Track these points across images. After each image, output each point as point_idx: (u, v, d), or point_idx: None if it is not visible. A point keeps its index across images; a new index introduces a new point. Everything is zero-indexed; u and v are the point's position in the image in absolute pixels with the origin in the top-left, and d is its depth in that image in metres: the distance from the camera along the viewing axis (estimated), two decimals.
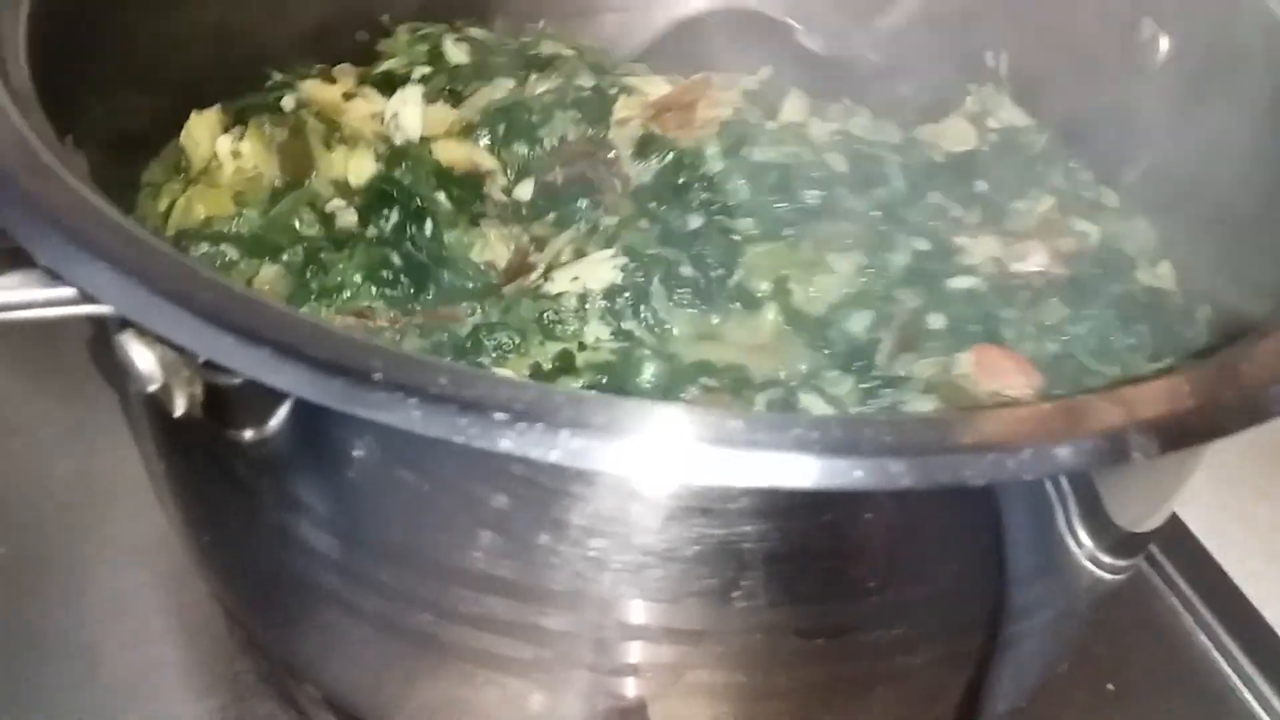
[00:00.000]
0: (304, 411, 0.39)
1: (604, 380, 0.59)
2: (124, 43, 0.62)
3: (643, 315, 0.62)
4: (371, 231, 0.67)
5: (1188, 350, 0.60)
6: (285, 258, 0.66)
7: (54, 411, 0.73)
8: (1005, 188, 0.71)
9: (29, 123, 0.45)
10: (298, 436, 0.44)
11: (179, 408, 0.45)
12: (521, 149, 0.74)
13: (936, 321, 0.60)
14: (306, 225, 0.68)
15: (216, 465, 0.50)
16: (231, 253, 0.65)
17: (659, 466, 0.35)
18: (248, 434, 0.45)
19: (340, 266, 0.65)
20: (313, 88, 0.76)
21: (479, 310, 0.63)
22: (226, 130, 0.71)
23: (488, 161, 0.74)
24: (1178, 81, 0.71)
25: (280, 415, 0.43)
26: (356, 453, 0.43)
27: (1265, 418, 0.38)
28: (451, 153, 0.74)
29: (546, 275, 0.65)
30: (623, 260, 0.63)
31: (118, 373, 0.44)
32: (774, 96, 0.78)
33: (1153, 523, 0.58)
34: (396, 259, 0.65)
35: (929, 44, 0.84)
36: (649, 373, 0.59)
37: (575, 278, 0.63)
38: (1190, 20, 0.70)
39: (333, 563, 0.48)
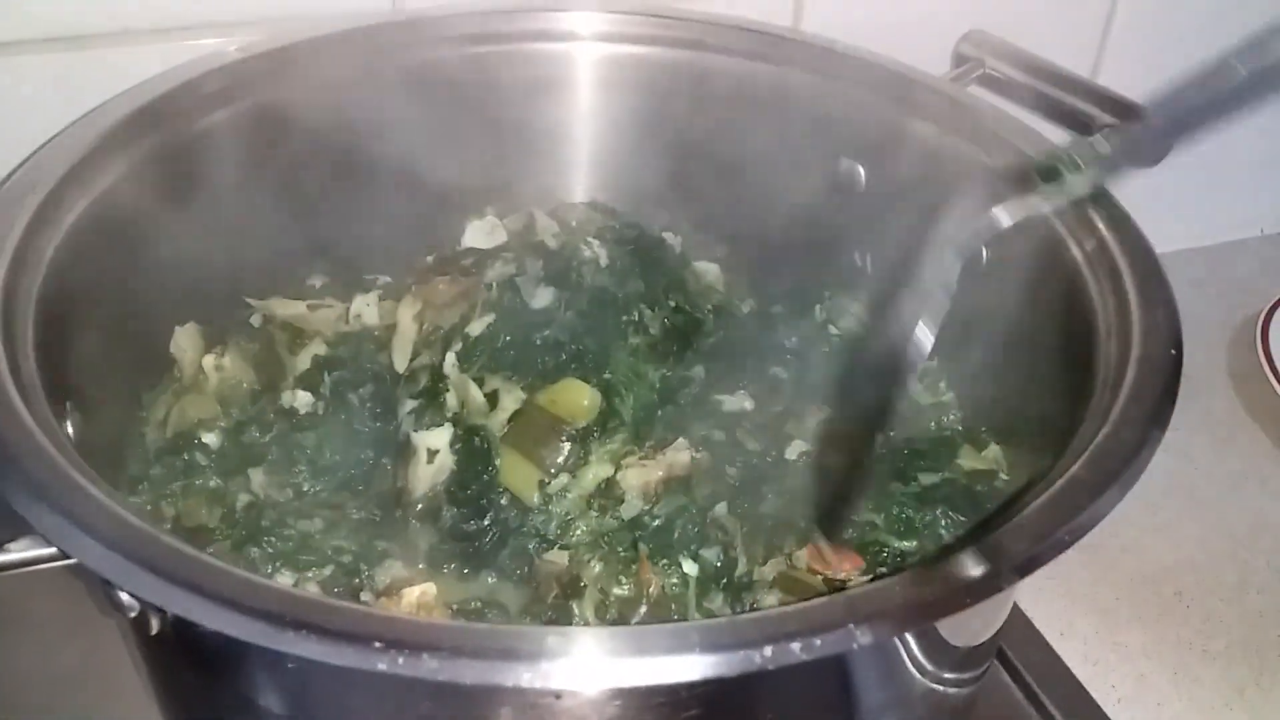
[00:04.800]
0: None
1: None
2: (113, 325, 0.76)
3: None
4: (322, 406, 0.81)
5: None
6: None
7: (61, 611, 0.85)
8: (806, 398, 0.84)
9: (34, 414, 0.58)
10: (246, 653, 0.56)
11: (153, 629, 0.57)
12: None
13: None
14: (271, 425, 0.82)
15: (187, 672, 0.62)
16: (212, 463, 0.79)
17: (501, 678, 0.47)
18: (209, 650, 0.58)
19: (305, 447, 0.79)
20: (276, 304, 0.90)
21: None
22: (206, 342, 0.86)
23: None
24: (996, 284, 0.84)
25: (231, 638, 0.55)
26: (290, 664, 0.55)
27: (958, 610, 0.49)
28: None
29: None
30: None
31: (106, 603, 0.56)
32: None
33: (984, 637, 0.68)
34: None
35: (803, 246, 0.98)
36: None
37: None
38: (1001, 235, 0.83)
39: None
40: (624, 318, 0.84)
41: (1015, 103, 0.92)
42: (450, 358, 0.80)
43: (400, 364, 0.84)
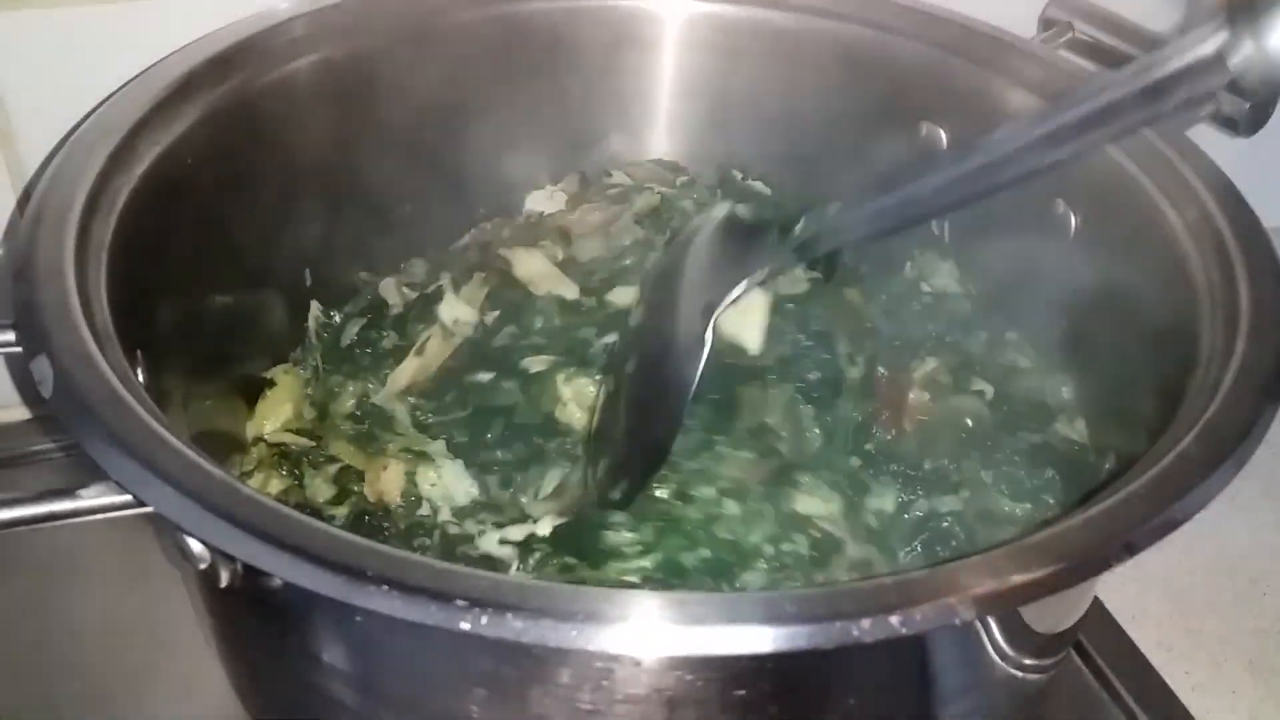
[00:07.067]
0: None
1: None
2: (184, 272, 0.75)
3: None
4: None
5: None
6: None
7: (122, 563, 0.85)
8: (906, 353, 0.82)
9: (108, 360, 0.57)
10: (315, 607, 0.55)
11: (223, 581, 0.56)
12: None
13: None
14: None
15: (253, 624, 0.61)
16: None
17: (587, 641, 0.45)
18: (277, 604, 0.56)
19: None
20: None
21: None
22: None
23: None
24: (1087, 253, 0.81)
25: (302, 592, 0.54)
26: (359, 619, 0.53)
27: (1065, 588, 0.47)
28: None
29: None
30: None
31: (176, 553, 0.55)
32: None
33: (1067, 624, 0.66)
34: None
35: None
36: None
37: None
38: (1093, 201, 0.81)
39: (348, 708, 0.58)
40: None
41: (1106, 68, 0.88)
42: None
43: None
